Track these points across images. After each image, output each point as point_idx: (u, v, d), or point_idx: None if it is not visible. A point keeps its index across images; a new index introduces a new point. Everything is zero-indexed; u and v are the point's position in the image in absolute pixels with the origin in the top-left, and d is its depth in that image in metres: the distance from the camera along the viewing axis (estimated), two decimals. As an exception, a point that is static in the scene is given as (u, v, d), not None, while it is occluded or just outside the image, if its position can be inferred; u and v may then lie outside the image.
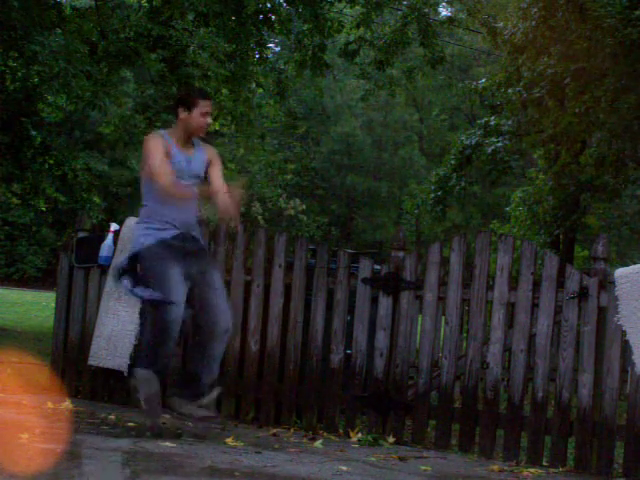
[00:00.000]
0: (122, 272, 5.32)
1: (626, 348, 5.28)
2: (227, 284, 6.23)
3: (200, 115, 5.30)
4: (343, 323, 5.98)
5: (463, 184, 16.77)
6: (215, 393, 5.29)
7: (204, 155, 5.43)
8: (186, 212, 5.31)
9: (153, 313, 5.13)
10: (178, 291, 5.08)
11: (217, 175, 5.44)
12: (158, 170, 5.15)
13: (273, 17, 12.33)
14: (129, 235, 6.39)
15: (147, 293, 5.16)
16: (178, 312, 5.05)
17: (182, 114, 5.31)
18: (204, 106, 5.31)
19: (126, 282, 5.28)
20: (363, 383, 5.93)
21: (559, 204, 16.26)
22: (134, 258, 5.26)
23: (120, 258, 5.48)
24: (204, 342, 5.20)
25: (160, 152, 5.19)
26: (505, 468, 5.18)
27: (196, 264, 5.26)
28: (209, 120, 5.37)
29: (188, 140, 5.37)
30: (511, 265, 5.65)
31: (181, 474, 4.23)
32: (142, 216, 5.31)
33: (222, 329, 5.22)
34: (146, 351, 5.21)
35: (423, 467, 4.95)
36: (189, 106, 5.29)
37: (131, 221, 6.49)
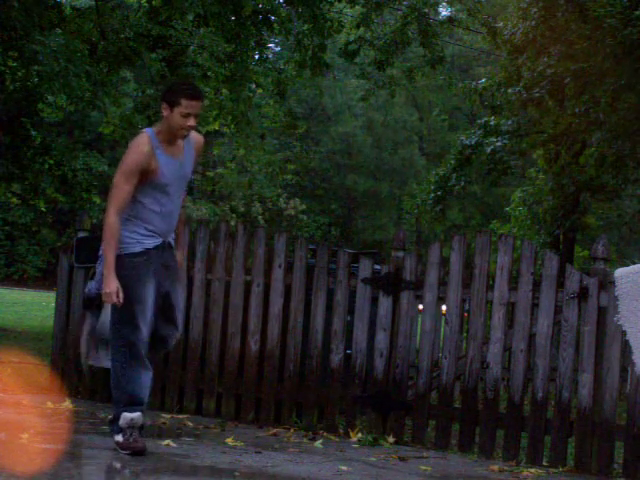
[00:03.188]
0: (90, 301, 5.02)
1: (626, 348, 5.28)
2: (227, 284, 6.24)
3: (180, 116, 4.72)
4: (343, 323, 5.98)
5: (463, 184, 16.76)
6: None
7: (192, 151, 4.96)
8: (170, 221, 4.92)
9: (118, 338, 4.76)
10: (147, 313, 4.77)
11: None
12: (114, 201, 4.67)
13: (272, 17, 12.33)
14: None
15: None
16: (145, 333, 4.76)
17: (165, 111, 4.77)
18: (187, 107, 4.71)
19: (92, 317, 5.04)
20: (363, 383, 5.93)
21: (559, 204, 16.24)
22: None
23: (90, 286, 5.02)
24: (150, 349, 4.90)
25: (133, 175, 4.67)
26: (505, 468, 5.18)
27: (168, 278, 4.92)
28: (191, 122, 4.74)
29: (175, 139, 4.83)
30: (511, 265, 5.65)
31: (181, 474, 4.23)
32: (130, 213, 4.78)
33: (169, 345, 5.10)
34: (123, 389, 4.73)
35: (423, 467, 4.96)
36: (171, 104, 4.73)
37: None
